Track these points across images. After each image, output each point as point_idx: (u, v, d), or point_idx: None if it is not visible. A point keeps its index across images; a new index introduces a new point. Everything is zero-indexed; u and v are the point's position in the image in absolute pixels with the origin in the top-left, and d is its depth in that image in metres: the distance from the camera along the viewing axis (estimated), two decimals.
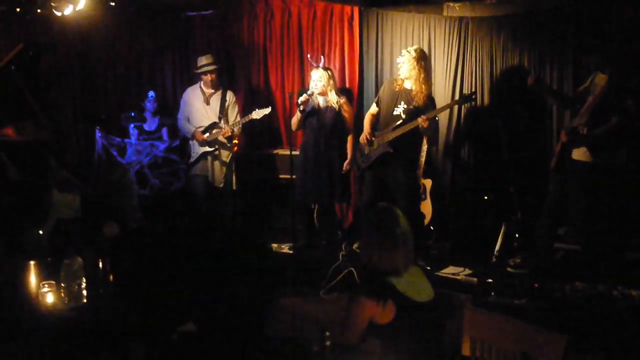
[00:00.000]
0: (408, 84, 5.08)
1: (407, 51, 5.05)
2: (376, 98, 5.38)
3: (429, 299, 2.45)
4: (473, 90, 5.52)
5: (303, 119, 5.46)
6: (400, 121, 5.03)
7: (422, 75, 4.99)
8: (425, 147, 5.32)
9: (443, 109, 5.21)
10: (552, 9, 5.24)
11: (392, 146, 5.07)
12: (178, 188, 6.29)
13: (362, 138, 5.26)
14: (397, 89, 5.13)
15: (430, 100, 5.08)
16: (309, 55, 5.75)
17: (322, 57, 5.71)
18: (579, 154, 4.50)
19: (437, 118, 5.29)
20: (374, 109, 5.35)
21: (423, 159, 5.34)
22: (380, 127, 5.22)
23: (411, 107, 5.01)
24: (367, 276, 2.59)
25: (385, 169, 5.20)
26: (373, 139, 5.19)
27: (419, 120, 4.87)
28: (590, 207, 4.55)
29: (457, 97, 5.61)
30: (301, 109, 5.36)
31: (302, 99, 5.31)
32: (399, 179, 5.16)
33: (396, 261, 2.44)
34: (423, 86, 5.00)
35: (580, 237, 4.76)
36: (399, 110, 5.08)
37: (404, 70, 5.03)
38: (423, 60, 5.03)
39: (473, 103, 5.40)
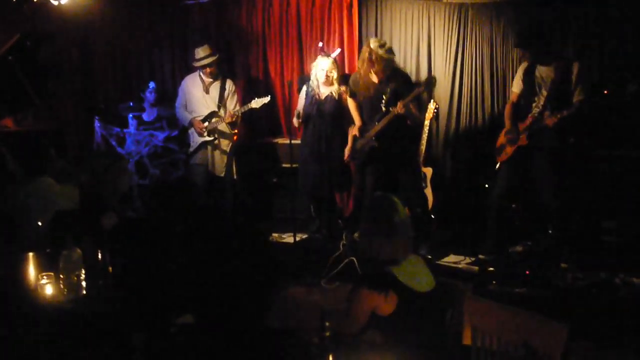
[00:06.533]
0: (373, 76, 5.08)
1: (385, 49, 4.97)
2: (348, 91, 5.35)
3: (430, 288, 2.44)
4: (472, 77, 5.53)
5: (303, 111, 5.47)
6: (382, 112, 5.04)
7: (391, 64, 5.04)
8: (425, 135, 5.29)
9: (412, 95, 5.01)
10: None
11: (379, 139, 5.08)
12: (177, 178, 6.27)
13: (355, 130, 5.28)
14: (364, 81, 5.11)
15: (403, 77, 5.08)
16: (320, 44, 5.69)
17: (337, 48, 5.72)
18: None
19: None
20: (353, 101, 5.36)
21: (423, 147, 5.31)
22: (366, 120, 5.25)
23: (387, 94, 5.01)
24: (368, 266, 2.59)
25: (384, 160, 5.20)
26: (365, 134, 5.20)
27: (397, 108, 4.87)
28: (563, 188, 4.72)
29: (456, 83, 5.65)
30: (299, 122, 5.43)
31: (296, 122, 5.42)
32: (399, 169, 5.20)
33: (395, 251, 2.43)
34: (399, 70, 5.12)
35: (555, 219, 4.83)
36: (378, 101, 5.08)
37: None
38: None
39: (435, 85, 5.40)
